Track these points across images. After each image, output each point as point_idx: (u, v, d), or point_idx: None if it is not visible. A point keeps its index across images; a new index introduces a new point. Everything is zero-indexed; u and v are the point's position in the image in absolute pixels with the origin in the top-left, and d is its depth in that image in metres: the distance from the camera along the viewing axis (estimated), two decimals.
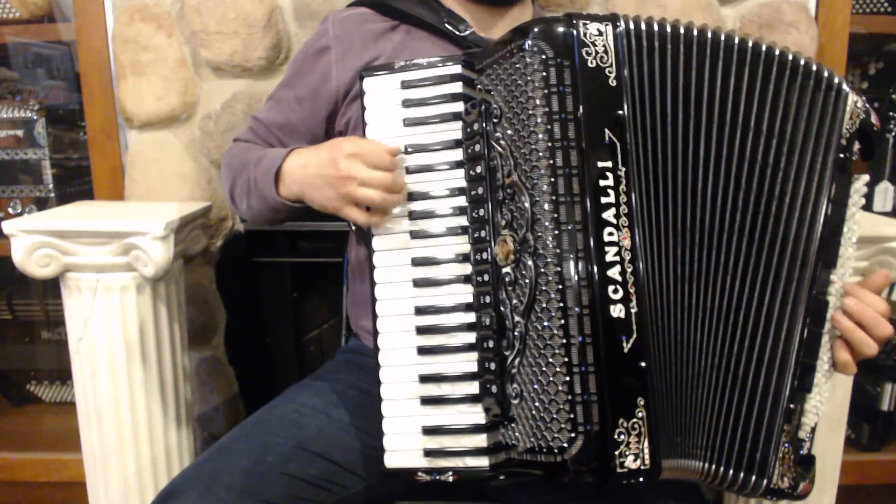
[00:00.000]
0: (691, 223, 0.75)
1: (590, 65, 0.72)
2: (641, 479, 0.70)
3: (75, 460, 1.39)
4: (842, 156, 0.78)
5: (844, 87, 0.78)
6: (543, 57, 0.72)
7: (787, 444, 0.76)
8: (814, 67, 0.77)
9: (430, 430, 0.76)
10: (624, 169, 0.72)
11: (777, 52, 0.76)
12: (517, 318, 0.73)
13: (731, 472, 0.76)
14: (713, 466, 0.76)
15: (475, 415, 0.76)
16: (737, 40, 0.76)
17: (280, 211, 0.92)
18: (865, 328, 0.76)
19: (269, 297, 1.48)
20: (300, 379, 1.06)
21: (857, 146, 0.79)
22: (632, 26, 0.74)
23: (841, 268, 0.77)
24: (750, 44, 0.76)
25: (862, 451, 1.55)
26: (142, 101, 1.35)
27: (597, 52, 0.72)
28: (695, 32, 0.75)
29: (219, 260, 1.44)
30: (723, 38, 0.75)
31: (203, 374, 1.50)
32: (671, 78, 0.74)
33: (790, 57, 0.77)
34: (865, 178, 0.80)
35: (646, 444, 0.70)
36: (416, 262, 0.78)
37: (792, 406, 0.76)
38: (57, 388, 1.78)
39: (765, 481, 0.76)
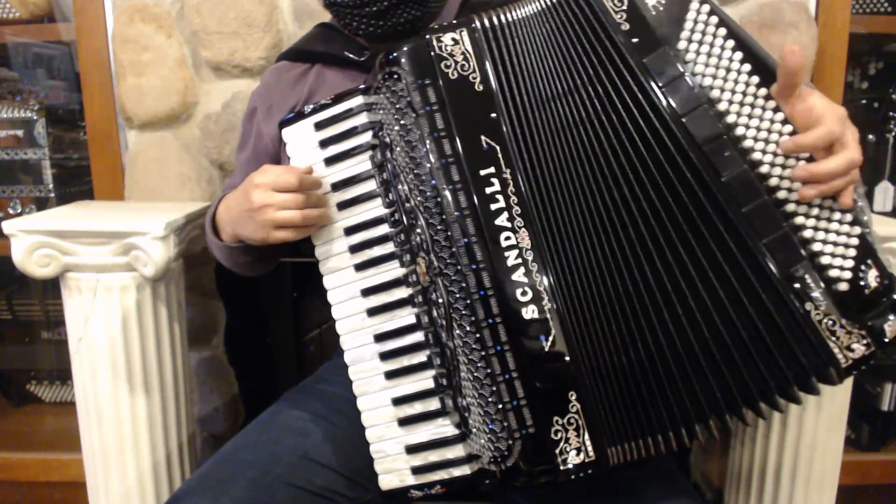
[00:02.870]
0: (596, 207, 0.71)
1: (451, 77, 0.72)
2: (590, 472, 0.70)
3: (75, 460, 1.39)
4: None
5: None
6: (405, 81, 0.73)
7: (829, 319, 0.67)
8: None
9: (413, 449, 0.79)
10: (509, 170, 0.71)
11: None
12: (445, 336, 0.75)
13: (793, 388, 0.69)
14: (737, 410, 0.70)
15: (450, 427, 0.78)
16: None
17: (237, 254, 0.94)
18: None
19: (269, 297, 1.48)
20: (300, 379, 1.06)
21: None
22: (486, 24, 0.73)
23: (755, 139, 0.68)
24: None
25: (862, 451, 1.54)
26: (142, 101, 1.35)
27: (457, 63, 0.73)
28: None
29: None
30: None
31: (203, 374, 1.50)
32: (547, 64, 0.72)
33: None
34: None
35: (586, 436, 0.70)
36: (365, 293, 0.81)
37: (797, 287, 0.67)
38: (57, 388, 1.78)
39: (831, 370, 0.68)
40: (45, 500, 1.54)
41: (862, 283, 0.67)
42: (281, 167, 0.81)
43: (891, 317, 0.68)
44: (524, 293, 0.70)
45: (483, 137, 0.72)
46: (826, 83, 1.35)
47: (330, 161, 0.82)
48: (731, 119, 0.69)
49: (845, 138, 0.66)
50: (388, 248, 0.80)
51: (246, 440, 0.89)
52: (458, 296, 0.72)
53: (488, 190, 0.71)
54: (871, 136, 1.60)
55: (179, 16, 1.35)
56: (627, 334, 0.72)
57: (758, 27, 1.30)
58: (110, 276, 1.14)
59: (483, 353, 0.71)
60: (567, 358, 0.70)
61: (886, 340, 0.68)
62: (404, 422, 0.80)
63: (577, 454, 0.70)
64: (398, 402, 0.80)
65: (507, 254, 0.70)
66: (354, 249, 0.82)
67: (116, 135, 1.40)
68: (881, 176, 1.60)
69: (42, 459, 1.52)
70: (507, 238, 0.71)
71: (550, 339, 0.70)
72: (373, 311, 0.81)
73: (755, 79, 0.68)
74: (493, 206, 0.71)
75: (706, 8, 0.70)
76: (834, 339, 0.68)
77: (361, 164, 0.81)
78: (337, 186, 0.82)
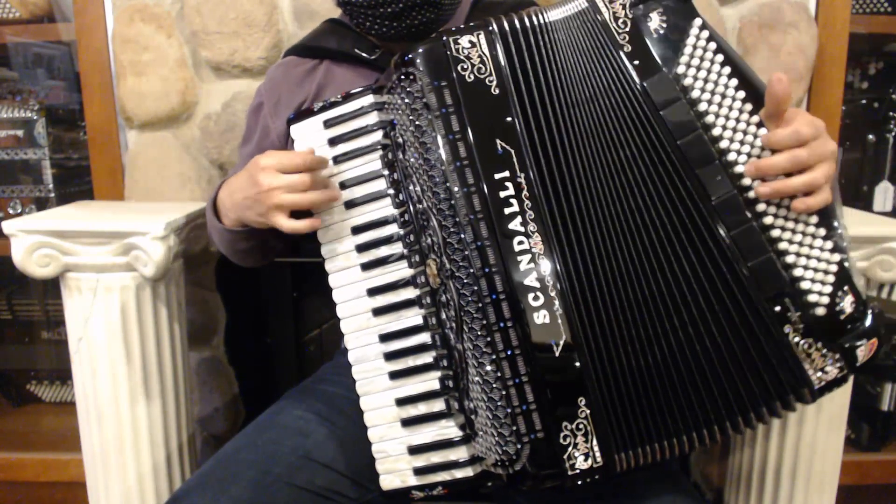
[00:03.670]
0: (609, 214, 0.72)
1: (468, 80, 0.72)
2: (597, 477, 0.70)
3: (75, 460, 1.39)
4: None
5: None
6: (421, 84, 0.73)
7: (806, 342, 0.69)
8: None
9: (415, 449, 0.79)
10: (523, 175, 0.71)
11: None
12: (455, 338, 0.75)
13: (767, 408, 0.71)
14: (734, 418, 0.72)
15: (454, 429, 0.78)
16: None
17: (238, 240, 0.94)
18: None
19: (269, 297, 1.47)
20: (300, 379, 1.06)
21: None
22: (505, 27, 0.73)
23: (728, 139, 0.70)
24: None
25: (862, 451, 1.54)
26: (142, 101, 1.35)
27: (473, 65, 0.72)
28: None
29: (219, 260, 1.44)
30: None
31: (203, 374, 1.50)
32: (564, 71, 0.73)
33: None
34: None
35: (594, 442, 0.70)
36: (371, 293, 0.81)
37: (777, 309, 0.69)
38: (57, 388, 1.78)
39: (805, 390, 0.70)
40: (45, 500, 1.54)
41: (838, 308, 0.70)
42: (285, 151, 0.81)
43: (864, 341, 0.70)
44: (536, 298, 0.70)
45: (498, 141, 0.72)
46: (826, 83, 1.35)
47: (338, 159, 0.81)
48: (724, 144, 0.70)
49: (807, 144, 0.68)
50: (396, 248, 0.80)
51: (246, 440, 0.89)
52: (469, 299, 0.72)
53: (502, 194, 0.71)
54: (871, 136, 1.61)
55: (179, 16, 1.35)
56: (637, 341, 0.72)
57: (758, 27, 1.30)
58: (110, 276, 1.14)
59: (494, 357, 0.71)
60: (577, 364, 0.70)
61: (858, 364, 0.70)
62: (407, 422, 0.79)
63: (585, 459, 0.70)
64: (402, 402, 0.80)
65: (519, 258, 0.70)
66: (361, 249, 0.81)
67: (116, 135, 1.40)
68: (881, 176, 1.60)
69: (42, 459, 1.51)
70: (521, 242, 0.70)
71: (561, 344, 0.70)
72: (378, 311, 0.81)
73: (748, 106, 0.70)
74: (507, 210, 0.71)
75: (705, 34, 0.71)
76: (809, 360, 0.70)
77: (371, 163, 0.80)
78: (345, 185, 0.81)
